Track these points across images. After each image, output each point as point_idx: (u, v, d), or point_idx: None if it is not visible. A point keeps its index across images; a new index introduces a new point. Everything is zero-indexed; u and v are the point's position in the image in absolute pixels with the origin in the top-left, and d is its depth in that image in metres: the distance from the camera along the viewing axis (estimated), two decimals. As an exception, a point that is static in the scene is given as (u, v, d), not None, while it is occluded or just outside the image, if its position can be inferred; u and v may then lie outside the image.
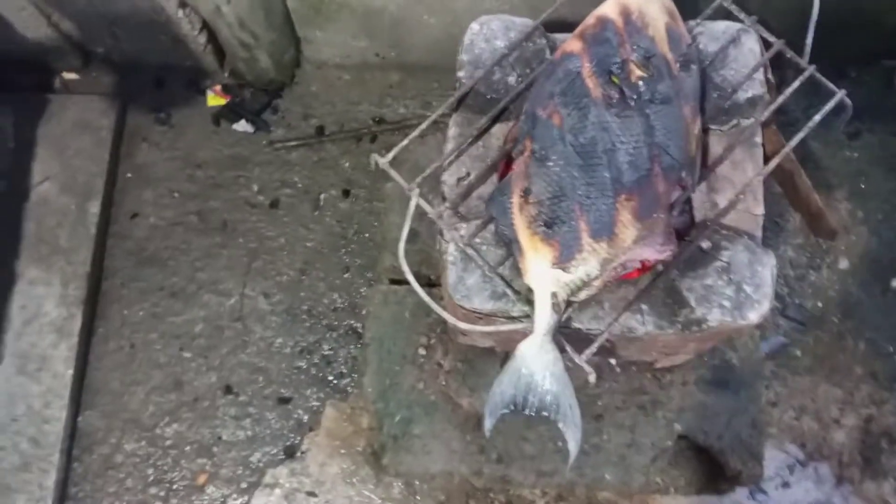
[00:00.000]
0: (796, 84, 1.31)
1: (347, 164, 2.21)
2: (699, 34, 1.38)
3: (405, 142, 1.35)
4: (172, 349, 2.05)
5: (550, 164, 1.19)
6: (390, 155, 1.34)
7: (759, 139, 1.39)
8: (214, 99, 2.24)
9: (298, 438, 1.98)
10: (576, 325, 1.29)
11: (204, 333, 2.06)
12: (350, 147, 2.22)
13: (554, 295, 1.17)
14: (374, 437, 1.77)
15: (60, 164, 2.12)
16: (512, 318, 1.28)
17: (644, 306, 1.29)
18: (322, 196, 2.18)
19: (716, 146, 1.40)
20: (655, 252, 1.19)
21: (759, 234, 1.34)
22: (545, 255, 1.17)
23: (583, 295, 1.19)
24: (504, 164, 1.41)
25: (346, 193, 2.18)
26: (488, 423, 1.21)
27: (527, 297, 1.24)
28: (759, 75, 1.36)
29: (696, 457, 1.80)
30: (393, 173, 1.34)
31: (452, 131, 1.44)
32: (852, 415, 1.93)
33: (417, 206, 1.30)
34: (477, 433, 1.73)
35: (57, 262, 2.03)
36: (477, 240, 1.30)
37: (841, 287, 2.03)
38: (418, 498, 1.91)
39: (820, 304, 2.02)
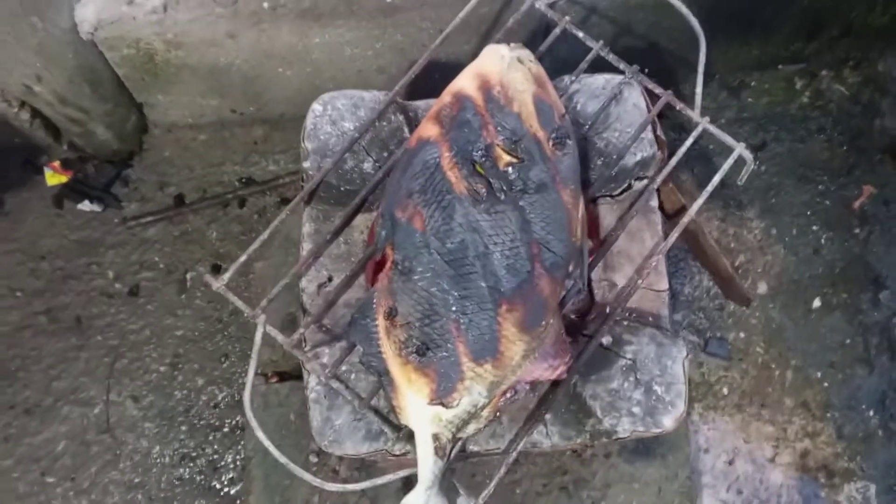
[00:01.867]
0: (689, 141, 1.16)
1: (215, 235, 1.96)
2: (575, 92, 1.21)
3: (243, 258, 1.13)
4: (33, 475, 1.77)
5: (416, 277, 1.00)
6: (227, 275, 1.12)
7: (654, 202, 1.24)
8: (54, 177, 1.95)
9: (188, 561, 1.74)
10: (472, 447, 1.11)
11: (68, 452, 1.79)
12: (216, 215, 1.97)
13: (436, 437, 0.98)
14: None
15: None
16: (395, 456, 1.08)
17: (547, 416, 1.12)
18: (189, 275, 1.93)
19: (607, 216, 1.24)
20: (547, 370, 1.01)
21: (665, 313, 1.18)
22: (420, 389, 0.98)
23: (471, 429, 1.01)
24: (373, 263, 1.21)
25: (217, 269, 1.93)
26: None
27: (409, 434, 1.05)
28: (648, 133, 1.19)
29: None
30: (233, 298, 1.12)
31: (307, 228, 1.23)
32: (787, 451, 1.82)
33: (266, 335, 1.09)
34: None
35: None
36: (343, 367, 1.10)
37: (762, 313, 1.92)
38: None
39: (742, 335, 1.91)
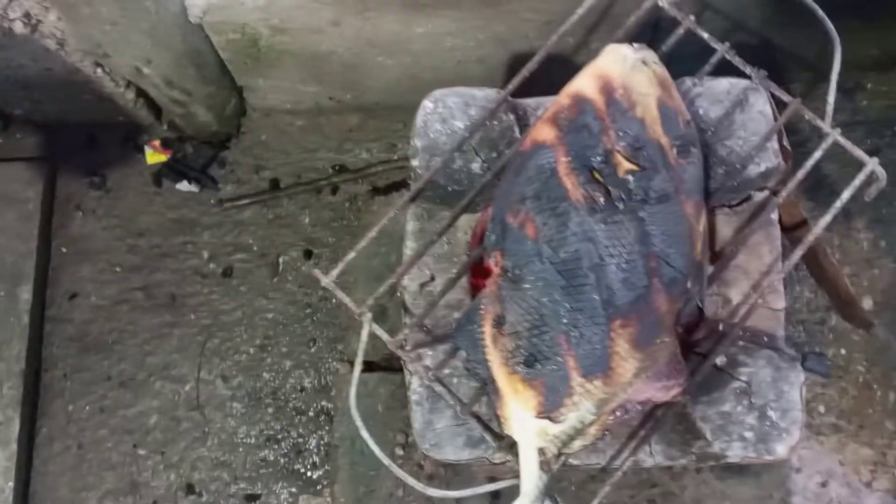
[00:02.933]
0: (818, 154, 1.09)
1: (308, 221, 1.97)
2: (697, 96, 1.15)
3: (351, 255, 1.12)
4: (125, 446, 1.84)
5: (527, 286, 0.97)
6: (335, 272, 1.12)
7: (774, 215, 1.17)
8: (154, 156, 2.00)
9: (267, 540, 1.78)
10: (573, 461, 1.09)
11: (159, 426, 1.85)
12: (310, 201, 1.99)
13: (542, 451, 0.96)
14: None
15: (-13, 244, 1.89)
16: (493, 465, 1.07)
17: (653, 434, 1.09)
18: (281, 259, 1.95)
19: (724, 228, 1.18)
20: (661, 391, 0.97)
21: (781, 334, 1.12)
22: (527, 402, 0.95)
23: (577, 445, 0.97)
24: (474, 267, 1.19)
25: (309, 254, 1.95)
26: None
27: (510, 443, 1.03)
28: (773, 143, 1.13)
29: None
30: (340, 295, 1.11)
31: (411, 226, 1.21)
32: (885, 477, 1.73)
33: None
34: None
35: (-10, 356, 1.81)
36: (447, 370, 1.08)
37: (866, 329, 1.81)
38: None
39: (843, 351, 1.81)
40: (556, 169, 0.99)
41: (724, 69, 1.15)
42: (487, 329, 0.99)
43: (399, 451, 1.59)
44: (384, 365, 1.68)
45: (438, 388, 1.05)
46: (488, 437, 1.04)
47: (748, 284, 1.13)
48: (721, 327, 1.09)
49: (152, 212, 1.99)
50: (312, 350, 1.89)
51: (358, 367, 1.07)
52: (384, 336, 1.08)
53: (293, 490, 1.80)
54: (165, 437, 1.84)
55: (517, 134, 1.16)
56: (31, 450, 1.82)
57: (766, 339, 1.11)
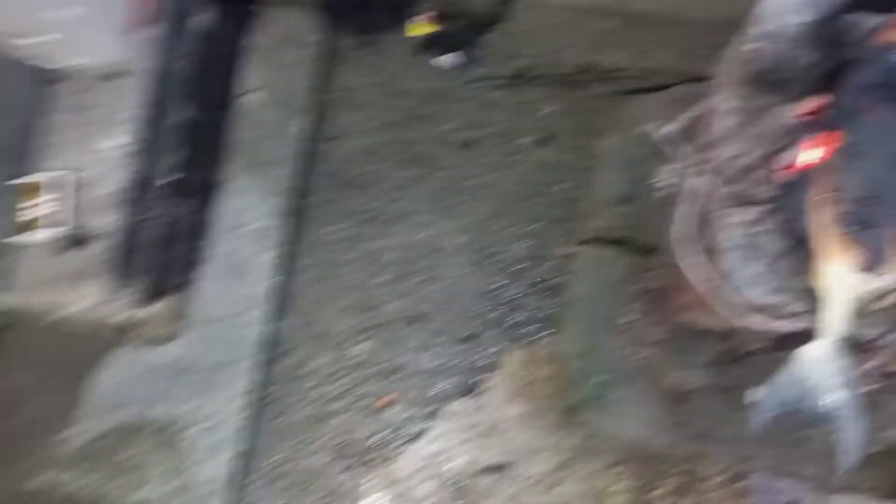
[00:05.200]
0: None
1: (549, 111, 2.16)
2: None
3: (692, 116, 1.30)
4: (365, 273, 2.10)
5: (866, 162, 1.13)
6: (669, 128, 1.30)
7: None
8: (421, 27, 2.20)
9: (479, 377, 2.02)
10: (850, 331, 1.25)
11: (396, 262, 2.10)
12: (553, 92, 2.17)
13: (851, 301, 1.13)
14: (570, 393, 1.80)
15: (267, 77, 2.14)
16: (788, 316, 1.24)
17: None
18: (519, 141, 2.15)
19: None
20: (970, 270, 1.13)
21: None
22: (849, 258, 1.12)
23: (886, 302, 1.15)
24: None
25: (545, 141, 2.14)
26: (759, 420, 1.20)
27: (811, 297, 1.20)
28: None
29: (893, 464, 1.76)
30: (672, 148, 1.29)
31: (729, 105, 1.37)
32: None
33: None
34: (678, 408, 1.73)
35: (262, 173, 2.08)
36: (760, 227, 1.26)
37: None
38: (592, 454, 1.95)
39: None
40: (910, 66, 1.14)
41: None
42: (819, 194, 1.16)
43: (627, 319, 1.79)
44: (620, 244, 1.86)
45: (751, 240, 1.23)
46: (790, 289, 1.21)
47: None
48: None
49: (414, 77, 2.20)
50: (537, 226, 2.10)
51: (688, 223, 1.24)
52: (703, 187, 1.26)
53: (503, 339, 2.03)
54: (400, 271, 2.09)
55: (853, 38, 1.29)
56: (287, 258, 2.10)
57: None
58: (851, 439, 1.16)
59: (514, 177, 2.13)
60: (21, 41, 1.24)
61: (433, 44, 2.20)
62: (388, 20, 2.24)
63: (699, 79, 1.95)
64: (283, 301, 2.08)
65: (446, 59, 2.19)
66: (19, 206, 1.47)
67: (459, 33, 2.20)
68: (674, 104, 1.87)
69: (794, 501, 1.86)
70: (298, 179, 2.12)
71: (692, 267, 1.28)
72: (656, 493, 1.91)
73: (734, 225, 1.25)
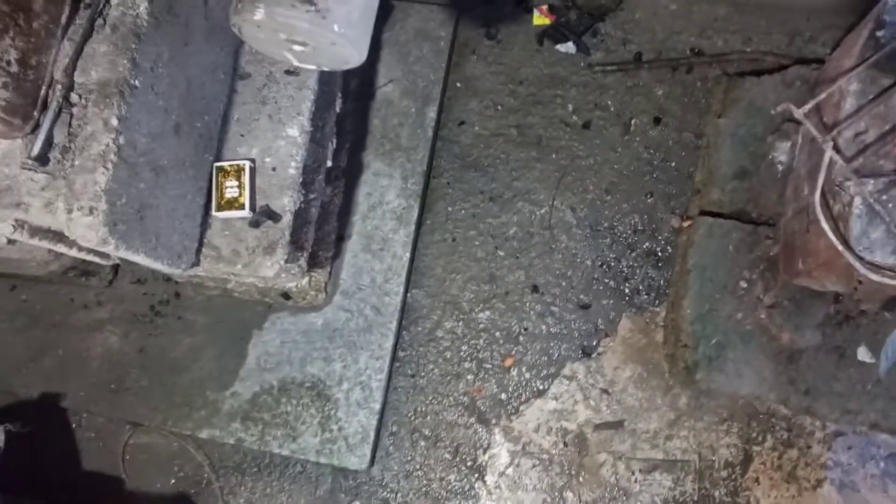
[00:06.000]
0: None
1: (661, 93, 2.31)
2: None
3: (823, 96, 1.44)
4: (488, 246, 2.30)
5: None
6: (808, 107, 1.44)
7: None
8: (540, 18, 2.38)
9: (595, 341, 2.21)
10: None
11: (516, 236, 2.30)
12: (665, 76, 2.31)
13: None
14: (687, 353, 1.96)
15: (403, 68, 2.35)
16: (908, 274, 1.38)
17: None
18: (633, 121, 2.31)
19: None
20: None
21: None
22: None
23: None
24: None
25: (657, 121, 2.29)
26: (883, 368, 1.35)
27: (934, 258, 1.34)
28: None
29: None
30: (810, 125, 1.44)
31: (854, 87, 1.51)
32: None
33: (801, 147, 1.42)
34: (789, 366, 1.87)
35: (398, 158, 2.30)
36: (884, 196, 1.40)
37: None
38: (702, 411, 2.11)
39: None
40: None
41: None
42: (942, 165, 1.30)
43: (743, 285, 1.94)
44: (736, 216, 2.01)
45: (878, 207, 1.38)
46: (914, 249, 1.35)
47: None
48: None
49: (532, 65, 2.38)
50: (649, 201, 2.26)
51: (821, 181, 1.39)
52: (838, 159, 1.40)
53: (618, 307, 2.21)
54: (520, 245, 2.29)
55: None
56: (419, 235, 2.32)
57: None
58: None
59: (628, 155, 2.29)
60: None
61: (553, 33, 2.38)
62: (512, 12, 2.42)
63: (810, 61, 2.08)
64: (416, 273, 2.31)
65: (564, 48, 2.36)
66: (220, 185, 1.72)
67: (576, 22, 2.37)
68: (787, 85, 2.01)
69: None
70: (430, 163, 2.34)
71: (814, 232, 1.43)
72: (766, 444, 2.07)
73: (861, 195, 1.39)
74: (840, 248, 1.35)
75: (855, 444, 2.07)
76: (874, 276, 1.33)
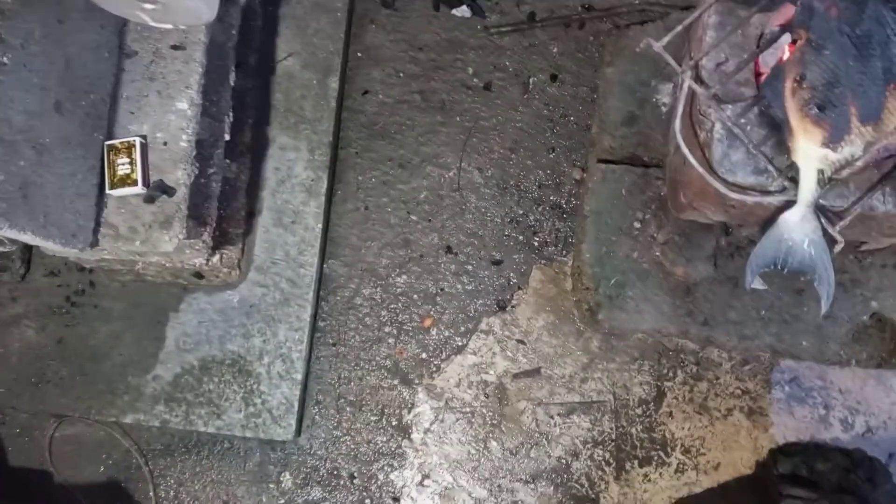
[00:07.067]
0: None
1: (556, 50, 2.37)
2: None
3: (679, 28, 1.51)
4: (401, 212, 2.34)
5: (827, 52, 1.34)
6: (665, 39, 1.50)
7: None
8: (434, -16, 2.41)
9: (509, 295, 2.26)
10: (821, 201, 1.47)
11: (427, 200, 2.34)
12: (559, 33, 2.38)
13: (819, 171, 1.35)
14: (589, 295, 2.03)
15: (302, 42, 2.36)
16: (773, 192, 1.46)
17: (888, 188, 1.46)
18: (531, 80, 2.36)
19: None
20: (915, 139, 1.33)
21: None
22: (815, 136, 1.34)
23: (844, 173, 1.36)
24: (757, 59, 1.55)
25: (554, 78, 2.35)
26: (749, 279, 1.43)
27: (787, 175, 1.42)
28: None
29: (880, 334, 1.98)
30: (667, 57, 1.50)
31: (713, 20, 1.58)
32: None
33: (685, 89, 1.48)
34: (686, 299, 1.96)
35: (303, 130, 2.32)
36: (742, 120, 1.47)
37: None
38: (614, 353, 2.19)
39: None
40: (859, -32, 1.34)
41: None
42: (789, 84, 1.37)
43: (637, 225, 2.01)
44: (627, 161, 2.08)
45: (736, 130, 1.45)
46: (771, 169, 1.43)
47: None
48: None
49: (430, 31, 2.42)
50: (551, 156, 2.32)
51: (681, 109, 1.46)
52: (697, 89, 1.47)
53: (528, 260, 2.27)
54: (432, 209, 2.33)
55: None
56: (331, 205, 2.35)
57: None
58: (824, 289, 1.39)
59: (529, 113, 2.35)
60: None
61: (447, -1, 2.42)
62: (404, -19, 2.46)
63: (690, 7, 2.16)
64: (331, 243, 2.33)
65: (460, 12, 2.40)
66: (111, 162, 1.72)
67: (469, -13, 2.42)
68: (669, 30, 2.08)
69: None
70: (336, 134, 2.36)
71: (687, 163, 1.50)
72: (676, 379, 2.15)
73: (721, 119, 1.46)
74: (701, 170, 1.42)
75: (760, 372, 2.17)
76: (735, 196, 1.41)
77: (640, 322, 1.98)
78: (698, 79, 1.55)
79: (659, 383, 2.17)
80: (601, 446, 2.17)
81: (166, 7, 1.40)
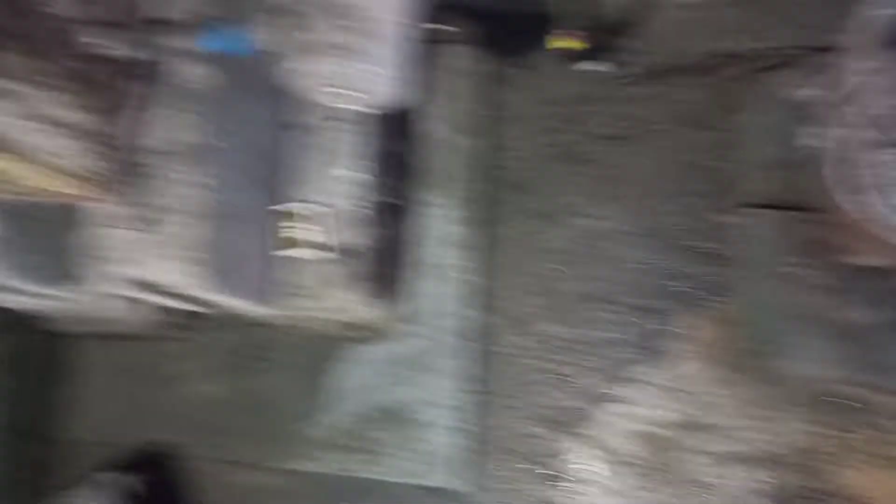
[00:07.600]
0: None
1: (684, 97, 2.39)
2: None
3: (828, 80, 1.51)
4: (546, 263, 2.41)
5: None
6: (806, 91, 1.51)
7: None
8: (565, 41, 2.49)
9: (662, 343, 2.27)
10: None
11: (572, 250, 2.40)
12: (686, 81, 2.40)
13: None
14: (746, 342, 2.01)
15: (445, 105, 2.49)
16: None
17: None
18: (661, 127, 2.39)
19: None
20: None
21: None
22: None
23: None
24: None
25: (689, 125, 2.37)
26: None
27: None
28: None
29: None
30: (811, 112, 1.51)
31: (863, 65, 1.57)
32: None
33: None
34: (850, 344, 1.90)
35: (453, 188, 2.44)
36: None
37: None
38: (774, 401, 2.13)
39: None
40: None
41: None
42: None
43: (790, 270, 1.96)
44: (773, 205, 2.04)
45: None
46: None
47: None
48: None
49: (560, 86, 2.50)
50: (692, 202, 2.33)
51: (838, 154, 1.45)
52: (856, 135, 1.46)
53: (677, 306, 2.27)
54: (578, 258, 2.39)
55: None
56: (483, 259, 2.44)
57: None
58: None
59: (661, 160, 2.38)
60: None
61: (578, 54, 2.49)
62: (538, 40, 2.55)
63: (821, 49, 2.13)
64: (487, 295, 2.42)
65: (591, 66, 2.48)
66: (280, 227, 1.89)
67: (600, 41, 2.48)
68: (804, 74, 2.07)
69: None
70: (481, 190, 2.47)
71: (849, 206, 1.49)
72: (844, 428, 2.07)
73: (884, 163, 1.45)
74: (864, 220, 1.41)
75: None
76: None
77: (802, 368, 1.93)
78: (853, 124, 1.55)
79: (825, 431, 2.09)
80: (762, 497, 2.11)
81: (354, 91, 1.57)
